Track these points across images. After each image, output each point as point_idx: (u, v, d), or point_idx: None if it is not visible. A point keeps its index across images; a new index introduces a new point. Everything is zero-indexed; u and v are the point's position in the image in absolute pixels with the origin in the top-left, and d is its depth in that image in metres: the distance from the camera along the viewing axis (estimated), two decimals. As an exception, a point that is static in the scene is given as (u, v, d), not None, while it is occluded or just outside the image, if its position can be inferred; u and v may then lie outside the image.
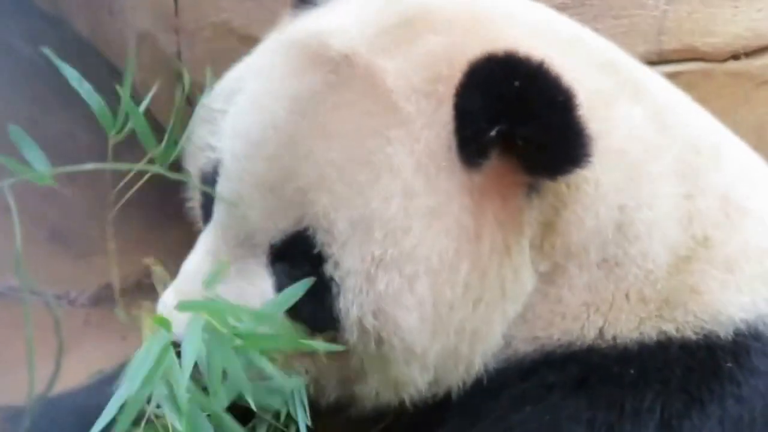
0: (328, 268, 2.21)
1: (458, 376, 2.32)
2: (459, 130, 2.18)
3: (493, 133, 2.15)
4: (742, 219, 2.39)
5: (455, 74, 2.18)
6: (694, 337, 2.32)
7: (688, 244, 2.35)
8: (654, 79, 2.52)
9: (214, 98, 2.45)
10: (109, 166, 2.32)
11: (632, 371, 2.30)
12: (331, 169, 2.19)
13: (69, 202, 4.16)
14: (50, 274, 3.85)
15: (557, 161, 2.18)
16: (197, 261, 2.33)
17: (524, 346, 2.37)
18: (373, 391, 2.31)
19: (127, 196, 2.43)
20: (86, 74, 4.26)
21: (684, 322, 2.33)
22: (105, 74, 4.22)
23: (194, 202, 2.53)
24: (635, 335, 2.33)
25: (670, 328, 2.33)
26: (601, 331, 2.35)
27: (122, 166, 2.32)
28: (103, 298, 3.90)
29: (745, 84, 3.04)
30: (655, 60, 3.04)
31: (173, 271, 2.40)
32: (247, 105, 2.33)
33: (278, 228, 2.25)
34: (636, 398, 2.28)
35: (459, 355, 2.28)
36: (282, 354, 2.26)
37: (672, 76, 2.95)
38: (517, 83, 2.11)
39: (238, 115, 2.33)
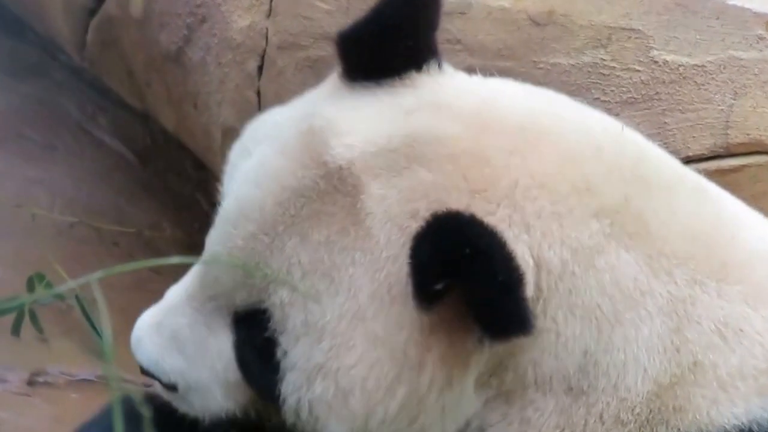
0: (278, 353, 2.31)
1: None
2: (412, 275, 2.19)
3: (439, 286, 2.16)
4: (739, 340, 2.37)
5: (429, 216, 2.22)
6: None
7: (674, 372, 2.33)
8: (681, 193, 2.46)
9: (234, 151, 2.55)
10: (193, 260, 2.42)
11: None
12: (297, 270, 2.28)
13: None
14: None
15: (492, 329, 2.19)
16: (179, 297, 2.46)
17: None
18: None
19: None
20: (171, 167, 4.43)
21: None
22: (190, 167, 4.38)
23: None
24: None
25: None
26: None
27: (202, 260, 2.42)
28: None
29: (809, 176, 3.06)
30: (722, 154, 3.06)
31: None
32: (250, 173, 2.41)
33: (241, 299, 2.36)
34: None
35: None
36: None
37: (737, 170, 3.03)
38: (465, 249, 2.11)
39: (242, 178, 2.43)
